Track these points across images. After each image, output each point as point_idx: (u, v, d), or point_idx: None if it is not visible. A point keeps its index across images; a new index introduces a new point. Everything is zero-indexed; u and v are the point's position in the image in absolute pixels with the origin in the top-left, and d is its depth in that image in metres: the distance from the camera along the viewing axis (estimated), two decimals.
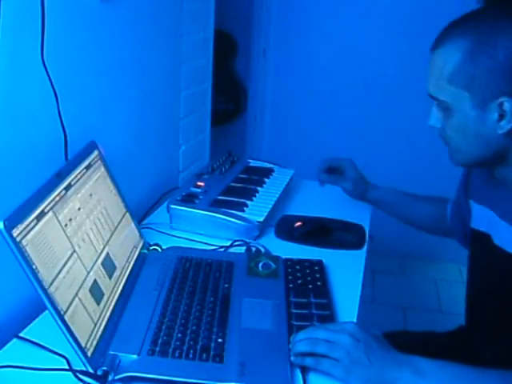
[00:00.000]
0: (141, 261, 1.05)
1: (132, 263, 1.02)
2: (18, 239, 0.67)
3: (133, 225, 1.08)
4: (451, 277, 2.68)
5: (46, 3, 0.86)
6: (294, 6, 2.64)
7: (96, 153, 0.99)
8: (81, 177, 0.90)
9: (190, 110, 1.67)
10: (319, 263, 1.07)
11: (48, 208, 0.76)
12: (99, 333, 0.80)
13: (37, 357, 0.78)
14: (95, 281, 0.84)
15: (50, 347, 0.79)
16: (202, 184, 1.33)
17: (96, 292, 0.83)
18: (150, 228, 1.22)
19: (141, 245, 1.09)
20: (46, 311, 0.73)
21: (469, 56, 0.80)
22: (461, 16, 0.84)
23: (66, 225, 0.80)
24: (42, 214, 0.74)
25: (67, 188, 0.83)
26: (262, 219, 1.20)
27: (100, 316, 0.82)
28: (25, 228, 0.69)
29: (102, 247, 0.91)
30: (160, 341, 0.80)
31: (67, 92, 0.97)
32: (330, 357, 0.76)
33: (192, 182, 1.35)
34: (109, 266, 0.91)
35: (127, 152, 1.29)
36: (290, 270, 1.04)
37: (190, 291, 0.95)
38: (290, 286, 0.99)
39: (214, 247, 1.16)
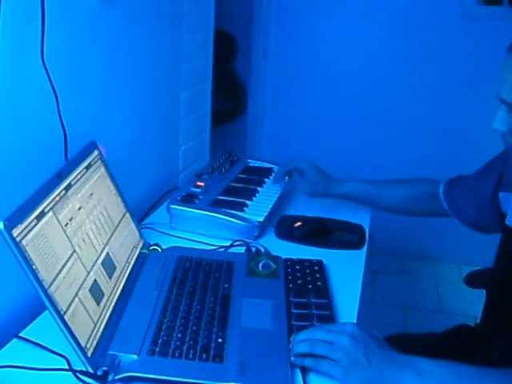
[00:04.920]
0: (141, 261, 1.05)
1: (132, 263, 1.02)
2: (18, 239, 0.67)
3: (133, 225, 1.08)
4: (451, 277, 2.68)
5: (46, 3, 0.86)
6: (294, 6, 2.65)
7: (96, 153, 0.99)
8: (81, 177, 0.90)
9: (189, 110, 1.67)
10: (319, 263, 1.07)
11: (48, 208, 0.76)
12: (99, 333, 0.80)
13: (37, 357, 0.78)
14: (95, 281, 0.84)
15: (50, 347, 0.79)
16: (202, 184, 1.33)
17: (96, 292, 0.83)
18: (150, 228, 1.22)
19: (141, 245, 1.09)
20: (46, 311, 0.73)
21: None
22: None
23: (66, 225, 0.80)
24: (42, 214, 0.74)
25: (67, 188, 0.83)
26: (261, 219, 1.20)
27: (100, 316, 0.82)
28: (25, 228, 0.69)
29: (102, 247, 0.91)
30: (160, 341, 0.80)
31: (67, 92, 0.97)
32: (330, 358, 0.76)
33: (192, 182, 1.35)
34: (109, 265, 0.91)
35: (127, 152, 1.29)
36: (289, 270, 1.04)
37: (189, 291, 0.95)
38: (290, 286, 0.99)
39: (213, 247, 1.16)
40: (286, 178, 1.38)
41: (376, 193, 1.29)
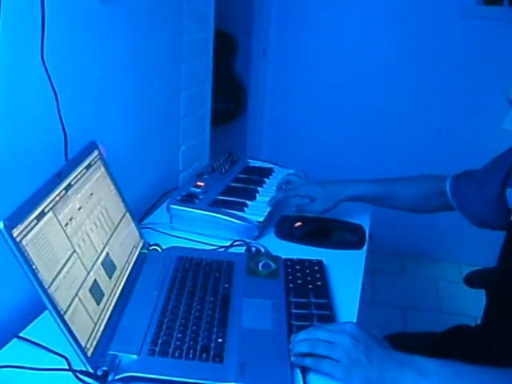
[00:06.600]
0: (141, 261, 1.05)
1: (132, 263, 1.02)
2: (18, 239, 0.67)
3: (133, 225, 1.08)
4: (451, 277, 2.68)
5: (46, 3, 0.86)
6: (294, 6, 2.65)
7: (96, 153, 0.99)
8: (81, 177, 0.90)
9: (189, 110, 1.67)
10: (319, 263, 1.07)
11: (48, 208, 0.76)
12: (99, 333, 0.80)
13: (37, 357, 0.78)
14: (95, 281, 0.84)
15: (50, 347, 0.79)
16: (202, 184, 1.33)
17: (96, 292, 0.83)
18: (150, 228, 1.22)
19: (141, 245, 1.09)
20: (46, 311, 0.73)
21: None
22: None
23: (66, 225, 0.80)
24: (42, 213, 0.74)
25: (67, 188, 0.83)
26: (261, 219, 1.20)
27: (100, 316, 0.82)
28: (25, 228, 0.69)
29: (102, 247, 0.91)
30: (160, 341, 0.80)
31: (67, 92, 0.97)
32: (330, 357, 0.76)
33: (192, 182, 1.35)
34: (109, 265, 0.91)
35: (127, 152, 1.29)
36: (290, 270, 1.04)
37: (190, 291, 0.95)
38: (290, 285, 0.99)
39: (213, 247, 1.16)
40: (293, 208, 1.32)
41: (385, 194, 1.27)
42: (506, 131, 0.90)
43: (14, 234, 0.67)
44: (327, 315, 0.90)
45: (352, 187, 1.26)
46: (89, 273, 0.83)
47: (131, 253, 1.03)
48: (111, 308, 0.87)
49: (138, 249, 1.07)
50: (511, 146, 1.05)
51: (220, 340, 0.82)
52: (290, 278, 1.01)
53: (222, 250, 1.16)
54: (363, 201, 1.29)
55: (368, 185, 1.26)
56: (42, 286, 0.69)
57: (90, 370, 0.74)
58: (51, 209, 0.77)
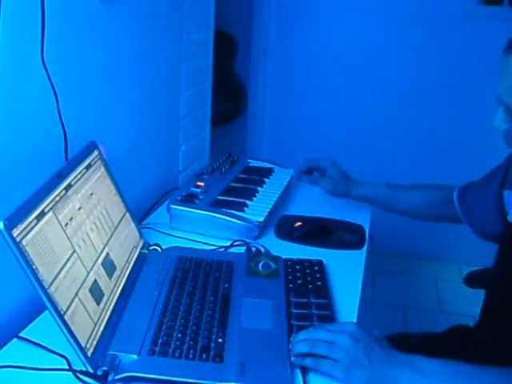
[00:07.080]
0: (141, 261, 1.05)
1: (132, 263, 1.02)
2: (18, 239, 0.67)
3: (133, 225, 1.08)
4: (451, 277, 2.68)
5: (45, 3, 0.86)
6: (294, 6, 2.64)
7: (96, 153, 0.99)
8: (81, 177, 0.90)
9: (190, 110, 1.67)
10: (319, 263, 1.07)
11: (48, 208, 0.76)
12: (99, 333, 0.80)
13: (37, 357, 0.78)
14: (95, 281, 0.84)
15: (50, 347, 0.79)
16: (202, 184, 1.33)
17: (96, 292, 0.83)
18: (150, 228, 1.22)
19: (141, 245, 1.09)
20: (46, 311, 0.73)
21: None
22: None
23: (66, 225, 0.80)
24: (42, 213, 0.74)
25: (67, 188, 0.83)
26: (262, 219, 1.20)
27: (100, 316, 0.82)
28: (25, 228, 0.69)
29: (102, 247, 0.91)
30: (160, 341, 0.80)
31: (67, 92, 0.97)
32: (330, 357, 0.76)
33: (192, 182, 1.35)
34: (109, 265, 0.91)
35: (127, 152, 1.29)
36: (290, 270, 1.04)
37: (189, 291, 0.95)
38: (290, 286, 0.99)
39: (213, 247, 1.16)
40: (304, 177, 1.38)
41: (394, 197, 1.30)
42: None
43: (14, 234, 0.67)
44: (327, 315, 0.90)
45: (362, 187, 1.31)
46: (89, 273, 0.83)
47: (131, 253, 1.03)
48: (111, 308, 0.87)
49: (138, 249, 1.07)
50: (510, 153, 1.05)
51: (220, 340, 0.82)
52: (290, 277, 1.01)
53: (222, 250, 1.16)
54: (371, 202, 1.33)
55: (377, 187, 1.31)
56: (41, 286, 0.69)
57: (90, 370, 0.74)
58: (51, 209, 0.77)
